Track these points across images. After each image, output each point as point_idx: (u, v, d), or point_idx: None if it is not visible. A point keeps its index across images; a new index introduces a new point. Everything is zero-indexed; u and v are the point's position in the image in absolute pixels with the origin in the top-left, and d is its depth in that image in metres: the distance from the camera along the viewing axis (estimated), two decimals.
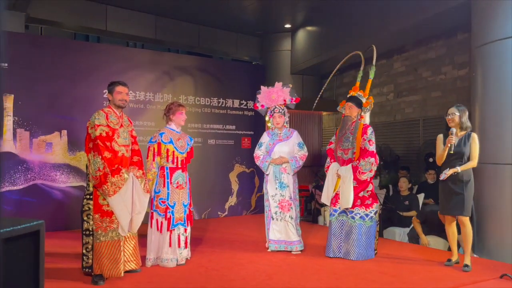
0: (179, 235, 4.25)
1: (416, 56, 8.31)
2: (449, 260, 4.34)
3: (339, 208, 4.63)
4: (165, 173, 4.25)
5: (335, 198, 4.68)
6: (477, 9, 5.33)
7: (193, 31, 9.54)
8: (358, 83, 4.85)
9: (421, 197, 6.45)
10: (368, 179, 4.51)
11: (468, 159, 4.15)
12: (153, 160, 4.24)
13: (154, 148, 4.26)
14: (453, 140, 4.12)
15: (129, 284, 3.67)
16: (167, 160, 4.25)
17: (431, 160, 7.05)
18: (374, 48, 4.79)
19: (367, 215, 4.54)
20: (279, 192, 4.84)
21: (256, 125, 7.71)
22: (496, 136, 4.94)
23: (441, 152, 4.23)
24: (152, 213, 4.24)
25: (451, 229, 4.33)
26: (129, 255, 3.90)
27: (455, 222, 4.33)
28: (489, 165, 4.88)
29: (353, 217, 4.55)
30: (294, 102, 5.01)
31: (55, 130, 6.04)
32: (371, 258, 4.56)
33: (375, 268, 4.21)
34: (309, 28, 9.75)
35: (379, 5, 7.39)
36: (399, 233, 6.05)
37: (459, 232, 4.36)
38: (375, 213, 4.59)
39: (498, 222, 4.88)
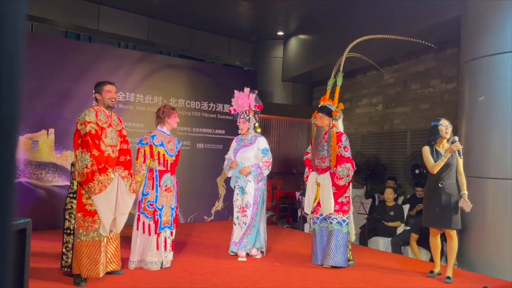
0: (165, 238, 4.23)
1: (405, 69, 8.42)
2: (432, 271, 4.38)
3: (320, 215, 4.69)
4: (154, 175, 4.22)
5: (317, 206, 4.73)
6: (467, 24, 5.42)
7: (186, 34, 9.54)
8: (328, 92, 4.88)
9: (406, 207, 6.51)
10: (346, 184, 4.58)
11: (455, 170, 4.22)
12: (144, 162, 4.21)
13: (144, 150, 4.22)
14: (459, 146, 4.17)
15: (112, 287, 3.64)
16: (158, 163, 4.24)
17: (417, 171, 7.13)
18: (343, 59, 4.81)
19: (344, 220, 4.59)
20: (240, 197, 4.87)
21: None
22: (481, 150, 5.01)
23: (439, 161, 4.19)
24: (139, 215, 4.20)
25: (435, 241, 4.39)
26: (111, 256, 3.86)
27: (439, 234, 4.39)
28: (474, 178, 4.94)
29: (331, 222, 4.60)
30: (257, 109, 5.01)
31: (42, 128, 5.97)
32: (346, 266, 4.57)
33: (359, 277, 4.24)
34: (301, 36, 9.83)
35: (370, 17, 7.49)
36: (383, 243, 6.09)
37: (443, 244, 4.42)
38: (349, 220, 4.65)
39: (481, 235, 4.94)
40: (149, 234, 4.16)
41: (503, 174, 4.76)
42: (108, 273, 3.83)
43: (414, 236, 5.49)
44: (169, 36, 9.32)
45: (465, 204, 4.12)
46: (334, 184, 4.55)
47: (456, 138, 4.22)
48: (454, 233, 4.22)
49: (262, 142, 4.91)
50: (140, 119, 6.76)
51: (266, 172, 4.85)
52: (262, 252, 4.96)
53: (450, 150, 4.16)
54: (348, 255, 4.64)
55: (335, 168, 4.56)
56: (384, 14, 7.16)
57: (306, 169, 4.94)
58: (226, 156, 5.10)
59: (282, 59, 10.41)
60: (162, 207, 4.21)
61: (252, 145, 4.89)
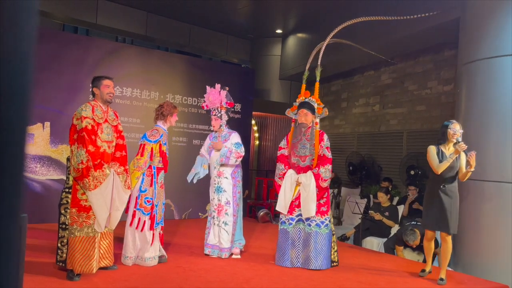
0: (159, 233, 4.28)
1: (403, 69, 8.43)
2: (423, 270, 4.43)
3: (296, 216, 4.54)
4: (153, 172, 4.22)
5: (291, 206, 4.56)
6: (466, 27, 5.43)
7: (184, 30, 9.51)
8: (303, 86, 4.80)
9: (401, 208, 6.54)
10: (327, 186, 4.57)
11: (457, 173, 4.23)
12: (151, 159, 4.18)
13: (152, 148, 4.19)
14: (464, 146, 4.14)
15: (105, 282, 3.62)
16: (162, 161, 4.27)
17: (412, 172, 7.15)
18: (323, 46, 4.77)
19: (322, 222, 4.48)
20: (216, 196, 4.73)
21: (242, 127, 7.70)
22: (478, 153, 5.01)
23: (445, 162, 4.16)
24: (134, 211, 4.16)
25: (430, 245, 4.42)
26: (104, 251, 3.85)
27: (434, 238, 4.41)
28: (470, 181, 4.95)
29: (309, 224, 4.47)
30: (229, 106, 4.93)
31: (37, 121, 5.93)
32: (329, 267, 4.49)
33: (353, 277, 4.25)
34: (299, 35, 9.82)
35: (369, 17, 7.48)
36: (378, 243, 6.11)
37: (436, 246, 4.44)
38: (329, 221, 4.53)
39: (478, 237, 4.95)
40: (142, 230, 4.15)
41: (501, 177, 4.76)
42: (101, 268, 3.81)
43: (399, 248, 5.46)
44: (167, 31, 9.29)
45: (460, 145, 4.07)
46: (317, 186, 4.44)
47: (459, 138, 4.19)
48: (449, 237, 4.23)
49: (235, 137, 4.80)
50: (136, 115, 6.73)
51: (233, 161, 4.68)
52: (241, 251, 4.88)
53: (455, 152, 4.15)
54: (332, 256, 4.56)
55: (317, 169, 4.45)
56: (383, 14, 7.16)
57: (282, 166, 4.65)
58: (201, 152, 4.97)
59: (280, 57, 10.40)
60: (158, 203, 4.24)
61: (227, 142, 4.78)
